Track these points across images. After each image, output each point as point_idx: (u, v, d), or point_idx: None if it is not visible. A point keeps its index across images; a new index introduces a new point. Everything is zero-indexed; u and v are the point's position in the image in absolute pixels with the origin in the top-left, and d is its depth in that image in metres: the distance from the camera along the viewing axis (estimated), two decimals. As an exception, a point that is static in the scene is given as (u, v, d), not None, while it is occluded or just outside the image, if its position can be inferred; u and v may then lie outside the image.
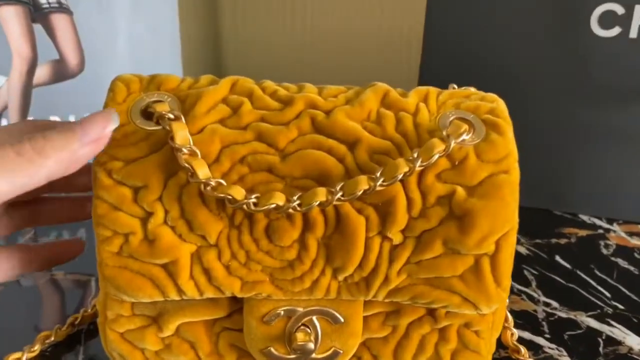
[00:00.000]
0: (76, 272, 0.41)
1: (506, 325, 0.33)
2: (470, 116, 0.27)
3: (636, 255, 0.45)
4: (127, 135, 0.26)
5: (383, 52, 0.71)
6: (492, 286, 0.26)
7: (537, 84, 0.49)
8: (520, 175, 0.26)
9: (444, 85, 0.31)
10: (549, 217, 0.51)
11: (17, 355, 0.32)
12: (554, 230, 0.49)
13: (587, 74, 0.47)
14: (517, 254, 0.26)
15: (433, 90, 0.29)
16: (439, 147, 0.25)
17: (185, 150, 0.25)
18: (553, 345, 0.34)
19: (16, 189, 0.23)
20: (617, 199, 0.50)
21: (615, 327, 0.36)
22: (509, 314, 0.34)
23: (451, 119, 0.27)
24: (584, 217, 0.51)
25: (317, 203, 0.24)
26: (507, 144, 0.27)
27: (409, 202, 0.25)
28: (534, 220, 0.49)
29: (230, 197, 0.24)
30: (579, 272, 0.43)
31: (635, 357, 0.34)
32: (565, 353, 0.34)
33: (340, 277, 0.26)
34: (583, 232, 0.49)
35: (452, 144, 0.25)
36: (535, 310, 0.38)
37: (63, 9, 0.51)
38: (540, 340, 0.35)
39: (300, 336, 0.27)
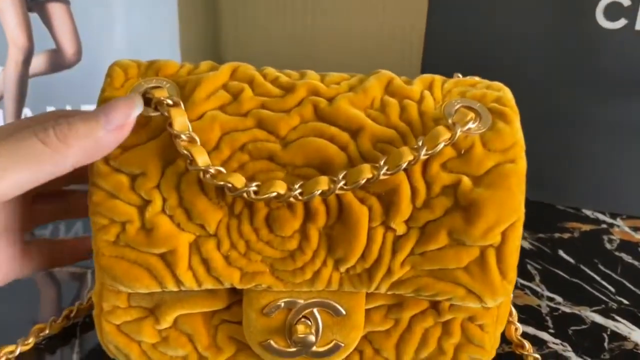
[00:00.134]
0: (72, 265, 0.40)
1: (510, 319, 0.33)
2: (476, 104, 0.27)
3: (640, 250, 0.45)
4: (124, 122, 0.25)
5: (384, 51, 0.71)
6: (498, 278, 0.25)
7: (541, 76, 0.49)
8: (524, 168, 0.26)
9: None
10: (552, 211, 0.51)
11: (10, 348, 0.31)
12: (557, 224, 0.48)
13: (592, 66, 0.47)
14: (520, 249, 0.26)
15: (438, 78, 0.29)
16: (445, 135, 0.25)
17: (184, 137, 0.24)
18: (557, 340, 0.34)
19: (41, 178, 0.23)
20: (620, 193, 0.50)
21: (620, 322, 0.36)
22: (513, 308, 0.34)
23: (457, 107, 0.26)
24: (587, 212, 0.51)
25: (319, 192, 0.24)
26: (514, 133, 0.26)
27: (413, 191, 0.25)
28: (537, 215, 0.49)
29: (230, 185, 0.24)
30: (582, 266, 0.42)
31: (641, 352, 0.33)
32: (569, 348, 0.33)
33: (342, 269, 0.25)
34: (586, 227, 0.48)
35: (458, 133, 0.25)
36: (539, 305, 0.37)
37: (60, -3, 0.51)
38: (544, 335, 0.34)
39: (300, 329, 0.27)
